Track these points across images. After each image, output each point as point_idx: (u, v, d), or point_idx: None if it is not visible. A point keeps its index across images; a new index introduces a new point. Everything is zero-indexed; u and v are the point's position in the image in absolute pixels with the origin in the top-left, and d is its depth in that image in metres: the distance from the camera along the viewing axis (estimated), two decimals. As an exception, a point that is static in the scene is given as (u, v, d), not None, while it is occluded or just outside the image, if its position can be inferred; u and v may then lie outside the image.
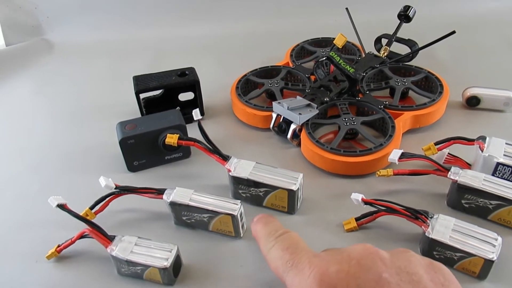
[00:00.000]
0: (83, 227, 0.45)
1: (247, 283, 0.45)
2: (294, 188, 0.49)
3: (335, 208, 0.52)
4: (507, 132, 0.62)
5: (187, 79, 0.65)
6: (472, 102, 0.66)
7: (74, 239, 0.46)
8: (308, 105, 0.61)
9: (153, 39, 0.96)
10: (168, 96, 0.67)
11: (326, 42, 0.81)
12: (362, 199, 0.47)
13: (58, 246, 0.47)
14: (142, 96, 0.65)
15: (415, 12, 0.72)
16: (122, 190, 0.50)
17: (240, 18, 0.98)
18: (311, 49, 0.80)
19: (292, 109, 0.59)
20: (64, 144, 0.66)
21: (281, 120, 0.62)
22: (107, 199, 0.50)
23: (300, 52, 0.80)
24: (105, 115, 0.71)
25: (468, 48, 0.84)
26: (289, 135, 0.61)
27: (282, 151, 0.62)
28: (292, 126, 0.60)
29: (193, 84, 0.65)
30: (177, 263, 0.44)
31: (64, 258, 0.48)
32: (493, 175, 0.50)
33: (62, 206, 0.44)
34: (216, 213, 0.46)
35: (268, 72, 0.72)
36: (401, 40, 0.74)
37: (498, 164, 0.50)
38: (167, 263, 0.42)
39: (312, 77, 0.69)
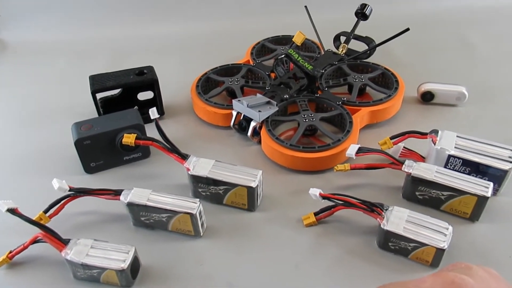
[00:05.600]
0: (36, 231, 0.43)
1: (207, 282, 0.44)
2: (253, 185, 0.49)
3: (295, 204, 0.52)
4: (459, 125, 0.64)
5: (145, 78, 0.64)
6: (427, 97, 0.68)
7: (27, 244, 0.45)
8: (268, 103, 0.61)
9: (113, 39, 0.94)
10: (126, 96, 0.66)
11: (286, 40, 0.81)
12: (320, 194, 0.48)
13: (10, 252, 0.45)
14: (99, 96, 0.64)
15: (371, 10, 0.74)
16: (77, 192, 0.48)
17: (201, 18, 0.98)
18: (271, 47, 0.80)
19: (252, 107, 0.59)
20: (19, 147, 0.64)
21: (241, 118, 0.62)
22: (62, 202, 0.49)
23: (261, 50, 0.80)
24: (61, 117, 0.69)
25: (423, 45, 0.87)
26: (249, 133, 0.61)
27: (243, 149, 0.62)
28: (252, 124, 0.60)
29: (152, 83, 0.64)
30: (135, 265, 0.43)
31: (16, 265, 0.46)
32: (445, 167, 0.52)
33: (12, 211, 0.42)
34: (174, 213, 0.46)
35: (229, 70, 0.72)
36: (358, 38, 0.75)
37: (449, 156, 0.51)
38: (124, 265, 0.41)
39: (272, 75, 0.69)
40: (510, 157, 0.50)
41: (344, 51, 0.73)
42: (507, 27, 0.92)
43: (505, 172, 0.50)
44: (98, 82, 0.63)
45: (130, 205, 0.47)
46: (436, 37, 0.89)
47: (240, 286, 0.44)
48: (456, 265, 0.33)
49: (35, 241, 0.44)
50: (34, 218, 0.45)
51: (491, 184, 0.48)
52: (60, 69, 0.85)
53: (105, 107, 0.65)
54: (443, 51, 0.84)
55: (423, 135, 0.54)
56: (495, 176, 0.50)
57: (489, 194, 0.47)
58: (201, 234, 0.49)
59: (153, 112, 0.52)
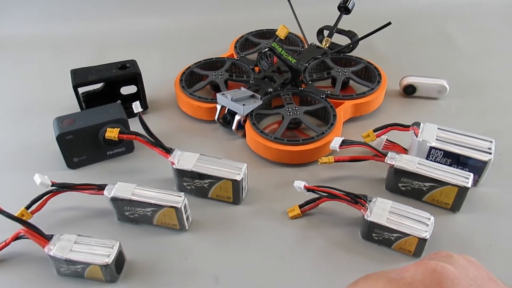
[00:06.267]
0: (18, 228, 0.43)
1: (193, 275, 0.45)
2: (238, 178, 0.49)
3: (280, 197, 0.53)
4: (440, 117, 0.66)
5: (128, 72, 0.63)
6: (409, 91, 0.69)
7: (9, 241, 0.44)
8: (252, 96, 0.61)
9: (95, 33, 0.92)
10: (109, 90, 0.65)
11: (270, 34, 0.81)
12: (305, 186, 0.48)
13: (-9, 249, 0.45)
14: (81, 90, 0.63)
15: (354, 4, 0.74)
16: (60, 187, 0.48)
17: (184, 11, 0.97)
18: (255, 40, 0.80)
19: (236, 100, 0.59)
20: (0, 143, 0.63)
21: (225, 112, 0.61)
22: (44, 197, 0.48)
23: (245, 43, 0.80)
24: (43, 112, 0.68)
25: (405, 40, 0.87)
26: (233, 126, 0.61)
27: (228, 143, 0.62)
28: (237, 117, 0.60)
29: (135, 77, 0.64)
30: (119, 259, 0.43)
31: (-2, 262, 0.46)
32: (427, 158, 0.53)
33: (-7, 207, 0.42)
34: (159, 207, 0.46)
35: (213, 64, 0.72)
36: (341, 32, 0.75)
37: (431, 148, 0.52)
38: (108, 260, 0.41)
39: (256, 69, 0.69)
40: (489, 148, 0.51)
41: (327, 45, 0.74)
42: (487, 22, 0.94)
43: (484, 163, 0.51)
44: (80, 76, 0.62)
45: (114, 199, 0.47)
46: (418, 31, 0.91)
47: (226, 279, 0.44)
48: (438, 253, 0.33)
49: (17, 237, 0.43)
50: (16, 214, 0.44)
51: (471, 175, 0.49)
52: (41, 63, 0.83)
53: (88, 101, 0.64)
54: (425, 46, 0.86)
55: (405, 127, 0.55)
56: (475, 167, 0.51)
57: (469, 184, 0.48)
58: (186, 228, 0.49)
59: (136, 106, 0.51)
